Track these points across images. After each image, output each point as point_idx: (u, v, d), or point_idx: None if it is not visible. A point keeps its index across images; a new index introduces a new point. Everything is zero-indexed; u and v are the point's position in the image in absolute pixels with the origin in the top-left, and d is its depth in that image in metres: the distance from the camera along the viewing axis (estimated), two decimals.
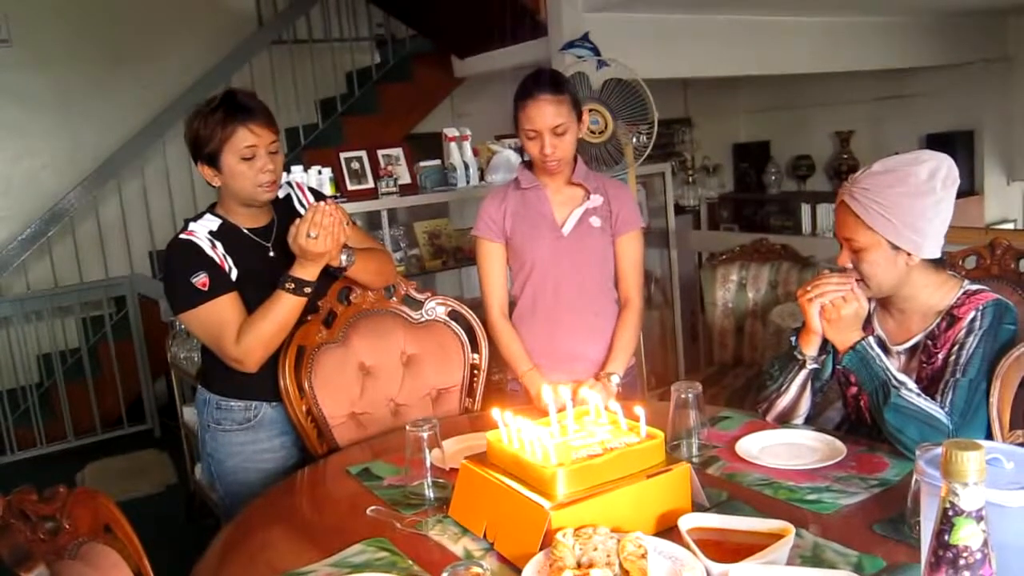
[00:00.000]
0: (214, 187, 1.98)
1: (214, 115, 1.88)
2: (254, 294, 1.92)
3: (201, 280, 1.87)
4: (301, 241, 1.85)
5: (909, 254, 1.64)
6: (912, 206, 1.61)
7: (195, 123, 1.90)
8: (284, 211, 2.05)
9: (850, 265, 1.70)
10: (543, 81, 2.12)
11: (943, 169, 1.62)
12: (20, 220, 4.82)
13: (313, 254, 1.87)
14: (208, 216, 1.99)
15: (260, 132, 1.89)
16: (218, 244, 1.94)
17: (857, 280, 1.69)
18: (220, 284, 1.90)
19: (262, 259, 1.99)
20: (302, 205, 2.09)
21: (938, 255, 1.68)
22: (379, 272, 2.15)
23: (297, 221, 1.87)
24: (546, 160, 2.13)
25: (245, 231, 2.00)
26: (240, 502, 1.86)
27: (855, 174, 1.69)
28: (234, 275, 1.93)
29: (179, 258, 1.92)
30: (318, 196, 2.14)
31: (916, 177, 1.61)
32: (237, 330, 1.89)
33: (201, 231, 1.95)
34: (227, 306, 1.90)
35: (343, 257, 1.96)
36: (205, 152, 1.90)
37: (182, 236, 1.95)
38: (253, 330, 1.89)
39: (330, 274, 2.01)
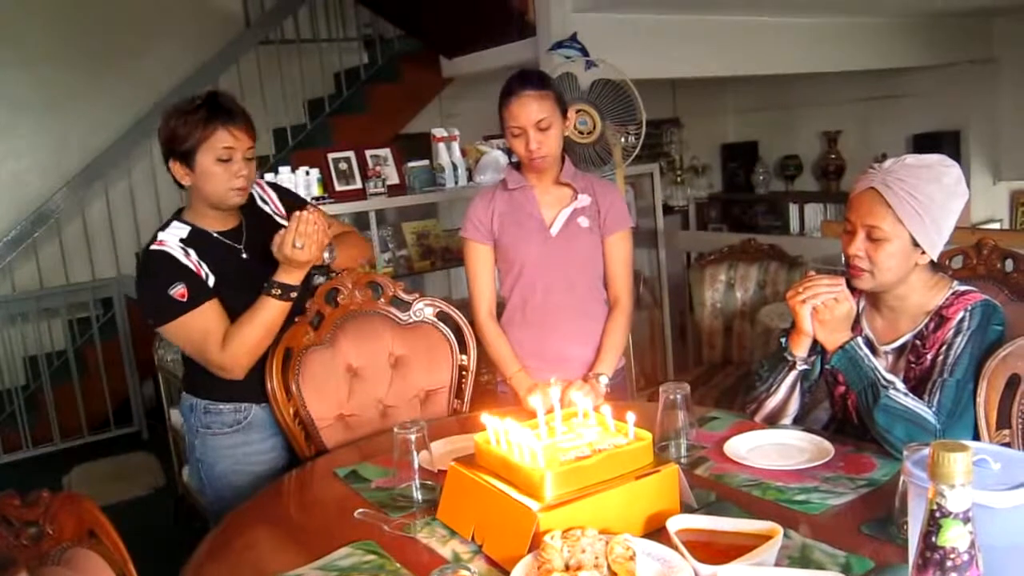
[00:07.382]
0: (183, 187, 1.95)
1: (196, 113, 1.86)
2: (231, 297, 1.91)
3: (179, 291, 1.85)
4: (287, 251, 1.84)
5: (923, 252, 1.64)
6: (945, 206, 1.61)
7: (172, 121, 1.88)
8: (250, 211, 2.04)
9: (861, 253, 1.65)
10: (526, 78, 2.13)
11: (963, 178, 1.64)
12: (5, 221, 4.78)
13: (300, 263, 1.87)
14: (176, 224, 1.95)
15: (239, 136, 1.89)
16: (191, 251, 1.90)
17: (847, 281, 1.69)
18: (199, 293, 1.87)
19: (236, 262, 1.97)
20: (264, 202, 2.09)
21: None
22: (357, 255, 2.21)
23: (281, 231, 1.86)
24: (532, 157, 2.12)
25: (215, 235, 1.97)
26: (229, 506, 1.84)
27: (883, 163, 1.65)
28: (211, 281, 1.90)
29: (154, 270, 1.88)
30: (284, 194, 2.16)
31: (950, 177, 1.61)
32: (221, 337, 1.87)
33: (172, 239, 1.91)
34: (209, 314, 1.87)
35: (325, 255, 1.97)
36: (180, 150, 1.87)
37: (153, 247, 1.90)
38: (239, 336, 1.88)
39: (313, 271, 2.02)
